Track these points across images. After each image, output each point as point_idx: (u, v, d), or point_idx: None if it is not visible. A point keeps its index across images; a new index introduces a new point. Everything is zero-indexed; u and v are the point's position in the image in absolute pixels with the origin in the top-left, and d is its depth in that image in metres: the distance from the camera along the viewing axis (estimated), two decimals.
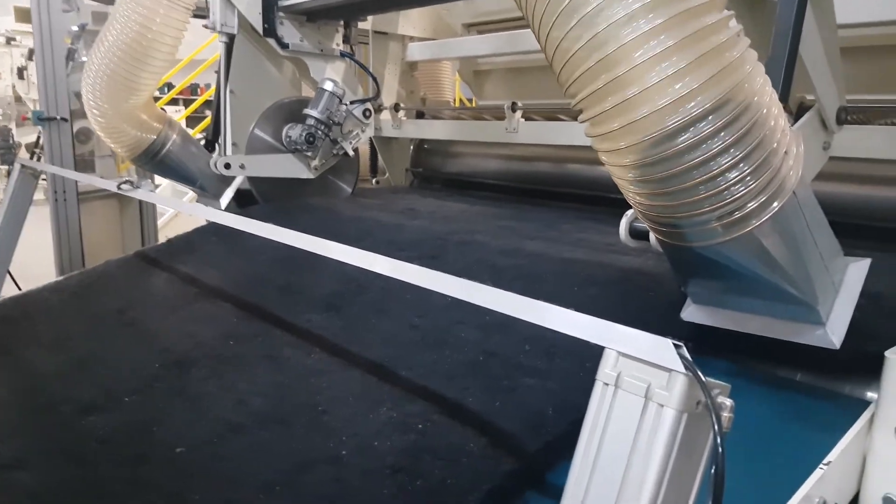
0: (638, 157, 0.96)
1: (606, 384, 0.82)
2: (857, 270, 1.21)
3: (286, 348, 1.57)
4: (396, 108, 3.49)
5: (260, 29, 2.76)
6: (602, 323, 0.86)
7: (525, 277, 1.58)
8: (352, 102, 2.91)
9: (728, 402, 0.76)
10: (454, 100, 4.85)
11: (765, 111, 0.96)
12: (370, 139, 3.63)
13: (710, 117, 0.92)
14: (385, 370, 1.40)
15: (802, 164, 1.05)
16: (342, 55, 2.96)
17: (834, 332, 1.17)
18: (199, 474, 1.18)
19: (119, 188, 2.41)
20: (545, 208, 2.83)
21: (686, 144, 0.93)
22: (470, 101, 5.94)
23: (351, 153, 2.97)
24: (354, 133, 2.98)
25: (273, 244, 1.52)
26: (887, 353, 1.17)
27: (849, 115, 1.66)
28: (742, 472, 1.03)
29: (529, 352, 1.31)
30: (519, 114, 2.86)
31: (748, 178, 0.97)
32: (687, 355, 0.75)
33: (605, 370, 0.82)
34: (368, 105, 3.00)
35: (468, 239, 1.92)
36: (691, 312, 1.34)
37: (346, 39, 3.01)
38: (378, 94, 3.00)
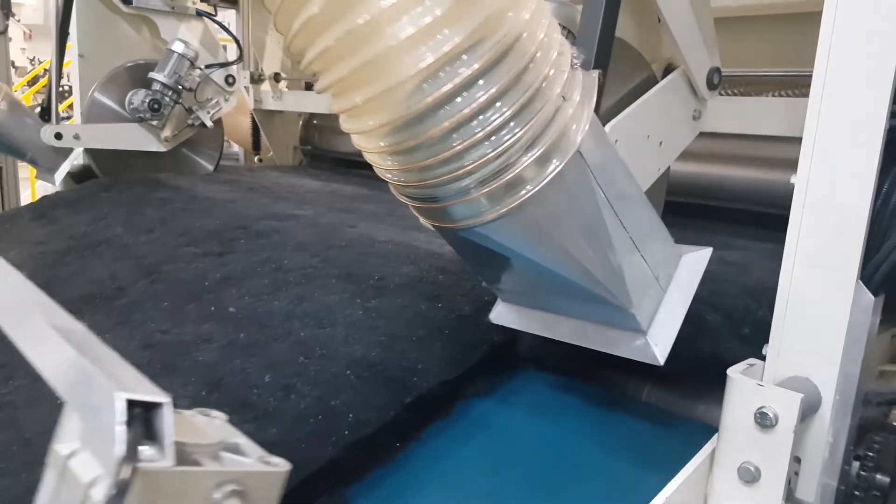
0: (385, 112, 0.67)
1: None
2: (693, 263, 0.94)
3: None
4: (277, 77, 3.16)
5: None
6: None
7: (308, 282, 1.28)
8: (207, 66, 2.55)
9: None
10: None
11: (525, 36, 0.67)
12: (251, 113, 3.29)
13: (456, 39, 0.63)
14: None
15: (592, 120, 0.76)
16: (198, 14, 2.60)
17: (658, 342, 0.90)
18: None
19: None
20: None
21: (432, 76, 0.64)
22: None
23: (209, 124, 2.62)
24: (214, 102, 2.63)
25: None
26: (729, 372, 0.91)
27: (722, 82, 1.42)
28: None
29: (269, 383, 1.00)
30: None
31: (512, 122, 0.68)
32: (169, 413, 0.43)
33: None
34: (232, 71, 2.65)
35: (279, 227, 1.61)
36: (499, 313, 1.06)
37: None
38: (241, 57, 2.65)
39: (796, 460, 0.97)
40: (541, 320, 1.01)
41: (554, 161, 0.72)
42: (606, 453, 1.02)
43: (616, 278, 0.83)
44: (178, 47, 2.45)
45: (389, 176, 0.78)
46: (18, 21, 10.87)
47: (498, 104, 0.67)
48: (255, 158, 3.39)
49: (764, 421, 0.86)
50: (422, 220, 0.85)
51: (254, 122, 3.33)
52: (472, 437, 1.03)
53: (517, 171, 0.71)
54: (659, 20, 1.42)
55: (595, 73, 0.78)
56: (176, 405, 1.02)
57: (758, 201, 1.76)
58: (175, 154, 2.66)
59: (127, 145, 2.51)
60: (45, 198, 2.40)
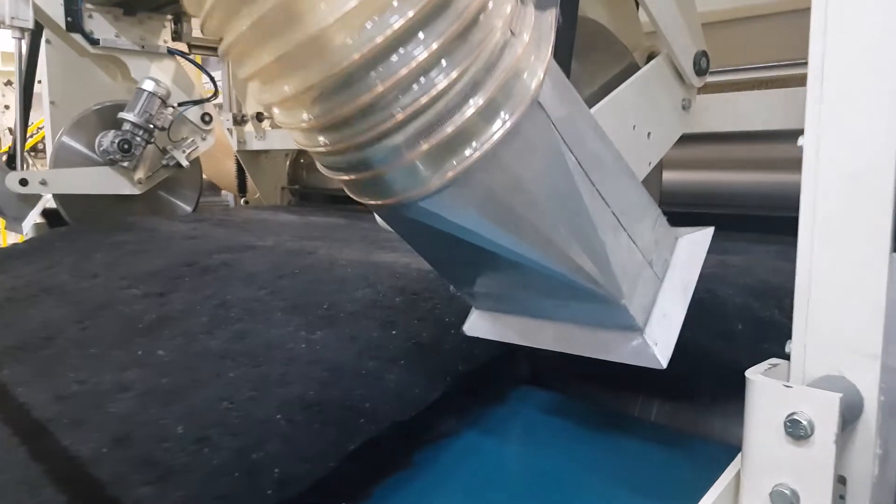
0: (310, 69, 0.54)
1: None
2: (692, 246, 0.79)
3: None
4: (259, 117, 3.06)
5: (62, 23, 2.30)
6: None
7: (251, 317, 1.13)
8: (180, 104, 2.46)
9: None
10: None
11: None
12: (235, 155, 3.19)
13: None
14: None
15: (552, 67, 0.63)
16: (170, 52, 2.51)
17: (657, 340, 0.74)
18: None
19: None
20: None
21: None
22: None
23: (185, 164, 2.51)
24: (190, 141, 2.53)
25: None
26: (749, 373, 0.75)
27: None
28: None
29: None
30: None
31: (443, 60, 0.55)
32: None
33: None
34: (209, 109, 2.55)
35: (230, 259, 1.47)
36: (473, 323, 0.91)
37: (176, 36, 2.57)
38: (216, 94, 2.56)
39: (841, 481, 0.80)
40: (520, 328, 0.86)
41: (504, 113, 0.58)
42: (610, 482, 0.85)
43: (599, 262, 0.68)
44: (147, 85, 2.36)
45: (315, 149, 0.64)
46: None
47: (421, 35, 0.53)
48: (242, 201, 3.27)
49: (796, 430, 0.70)
50: (378, 220, 0.71)
51: (238, 164, 3.23)
52: (439, 487, 0.85)
53: (458, 123, 0.56)
54: (637, 3, 1.31)
55: (551, 12, 0.65)
56: (72, 463, 0.85)
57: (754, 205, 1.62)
58: (151, 196, 2.55)
59: (98, 189, 2.40)
60: None
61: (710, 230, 0.79)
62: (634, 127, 1.10)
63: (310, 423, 0.82)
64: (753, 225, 1.68)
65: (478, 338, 0.90)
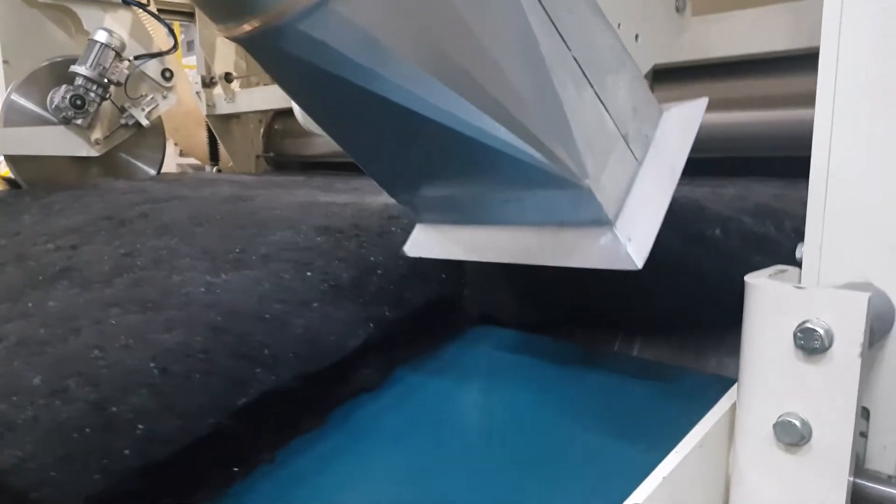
0: None
1: None
2: (680, 121, 0.63)
3: None
4: (228, 77, 2.89)
5: None
6: None
7: (155, 265, 1.00)
8: (137, 58, 2.29)
9: None
10: None
11: None
12: (205, 121, 3.02)
13: None
14: None
15: None
16: (125, 2, 2.34)
17: (631, 234, 0.58)
18: None
19: None
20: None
21: None
22: None
23: (146, 123, 2.34)
24: (150, 98, 2.36)
25: None
26: (748, 278, 0.60)
27: None
28: None
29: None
30: None
31: None
32: None
33: None
34: (169, 64, 2.38)
35: (150, 210, 1.33)
36: (415, 241, 0.75)
37: None
38: (175, 47, 2.39)
39: (863, 414, 0.64)
40: (469, 240, 0.70)
41: None
42: (585, 423, 0.70)
43: (553, 123, 0.52)
44: (100, 36, 2.19)
45: None
46: None
47: None
48: (214, 169, 3.11)
49: (810, 342, 0.54)
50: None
51: (209, 130, 3.06)
52: (351, 447, 0.70)
53: None
54: None
55: None
56: None
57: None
58: (111, 158, 2.40)
59: (52, 150, 2.23)
60: None
61: (703, 101, 0.63)
62: (620, 25, 0.95)
63: (189, 372, 0.67)
64: (759, 167, 1.52)
65: (412, 279, 0.75)
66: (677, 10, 1.10)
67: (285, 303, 0.80)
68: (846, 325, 0.53)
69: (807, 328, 0.54)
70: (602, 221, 0.58)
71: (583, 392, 0.73)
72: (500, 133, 0.52)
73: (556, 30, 0.52)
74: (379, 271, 0.85)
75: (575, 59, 0.53)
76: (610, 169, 0.58)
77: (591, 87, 0.55)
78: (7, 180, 2.39)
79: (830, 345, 0.54)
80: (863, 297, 0.52)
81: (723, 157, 1.47)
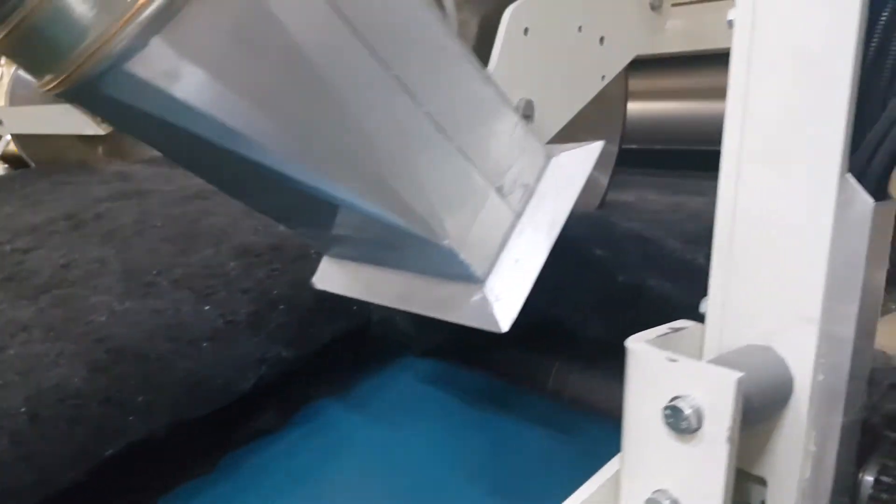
0: None
1: None
2: (568, 168, 0.58)
3: None
4: None
5: None
6: None
7: (81, 282, 1.00)
8: None
9: None
10: None
11: None
12: None
13: None
14: None
15: None
16: None
17: (500, 295, 0.54)
18: None
19: None
20: None
21: None
22: None
23: None
24: None
25: None
26: (629, 342, 0.56)
27: None
28: None
29: None
30: None
31: None
32: None
33: None
34: None
35: (106, 211, 1.34)
36: (323, 273, 0.73)
37: None
38: None
39: (760, 482, 0.60)
40: (367, 279, 0.68)
41: None
42: (478, 474, 0.67)
43: (403, 178, 0.48)
44: None
45: None
46: None
47: None
48: None
49: (677, 422, 0.50)
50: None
51: None
52: (238, 495, 0.69)
53: None
54: None
55: None
56: None
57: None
58: (119, 137, 2.41)
59: (59, 129, 2.26)
60: None
61: (596, 145, 0.59)
62: (581, 28, 0.89)
63: (56, 420, 0.66)
64: None
65: (318, 313, 0.73)
66: (653, 7, 1.03)
67: (175, 341, 0.78)
68: (715, 406, 0.49)
69: (674, 406, 0.50)
70: (472, 279, 0.55)
71: (487, 437, 0.70)
72: (348, 195, 0.49)
73: (405, 86, 0.48)
74: (282, 306, 0.83)
75: (429, 114, 0.49)
76: (479, 225, 0.54)
77: (451, 142, 0.51)
78: (8, 160, 2.42)
79: (700, 425, 0.50)
80: (733, 377, 0.48)
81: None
